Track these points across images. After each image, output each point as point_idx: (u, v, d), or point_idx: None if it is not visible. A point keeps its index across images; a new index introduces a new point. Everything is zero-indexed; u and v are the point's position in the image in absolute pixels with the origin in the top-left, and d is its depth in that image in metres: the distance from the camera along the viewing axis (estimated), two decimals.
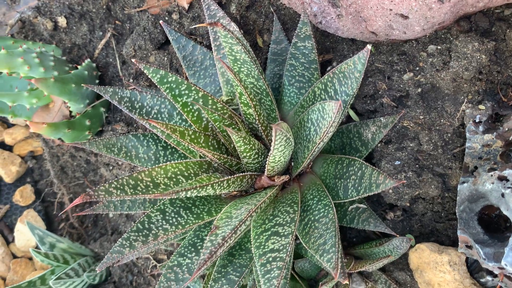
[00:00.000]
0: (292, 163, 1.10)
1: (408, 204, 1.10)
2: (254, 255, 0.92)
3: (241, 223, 0.88)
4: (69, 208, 0.91)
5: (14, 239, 1.59)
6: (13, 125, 1.67)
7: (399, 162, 1.08)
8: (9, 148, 1.67)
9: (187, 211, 1.09)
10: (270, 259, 0.88)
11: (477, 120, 0.95)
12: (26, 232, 1.54)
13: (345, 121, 1.16)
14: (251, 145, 0.98)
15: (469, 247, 0.93)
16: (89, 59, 1.45)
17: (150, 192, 1.00)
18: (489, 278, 0.97)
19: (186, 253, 1.05)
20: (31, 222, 1.43)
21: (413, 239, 1.05)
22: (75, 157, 1.55)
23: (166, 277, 1.02)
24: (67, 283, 1.33)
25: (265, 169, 1.00)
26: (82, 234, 1.58)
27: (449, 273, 0.97)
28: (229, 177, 0.97)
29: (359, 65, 0.91)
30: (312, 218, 0.98)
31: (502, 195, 0.84)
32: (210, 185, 0.93)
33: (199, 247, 1.05)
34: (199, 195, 0.94)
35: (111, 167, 1.47)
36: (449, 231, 1.06)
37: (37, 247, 1.57)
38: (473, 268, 1.04)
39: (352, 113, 1.16)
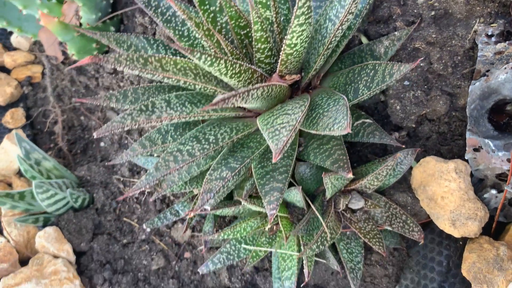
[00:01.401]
0: (303, 73, 1.09)
1: (413, 126, 1.09)
2: (261, 130, 0.89)
3: (249, 90, 0.85)
4: (76, 65, 0.88)
5: None
6: (15, 49, 1.64)
7: (408, 83, 1.09)
8: (8, 72, 1.63)
9: (192, 105, 1.06)
10: (279, 128, 0.86)
11: (489, 33, 0.97)
12: (11, 152, 1.47)
13: (358, 44, 1.18)
14: (267, 35, 0.98)
15: (477, 150, 0.92)
16: None
17: (159, 71, 0.98)
18: (493, 192, 0.96)
19: (187, 142, 1.01)
20: (19, 134, 1.38)
21: (419, 149, 1.04)
22: (74, 82, 1.52)
23: (165, 159, 0.98)
24: (49, 193, 1.25)
25: (277, 67, 1.00)
26: (69, 163, 1.52)
27: (454, 181, 0.95)
28: (242, 62, 0.95)
29: None
30: (321, 111, 0.96)
31: None
32: (223, 60, 0.91)
33: (202, 139, 1.02)
34: (211, 69, 0.92)
35: (111, 91, 1.45)
36: (455, 149, 1.05)
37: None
38: (477, 188, 1.02)
39: (364, 39, 1.18)
